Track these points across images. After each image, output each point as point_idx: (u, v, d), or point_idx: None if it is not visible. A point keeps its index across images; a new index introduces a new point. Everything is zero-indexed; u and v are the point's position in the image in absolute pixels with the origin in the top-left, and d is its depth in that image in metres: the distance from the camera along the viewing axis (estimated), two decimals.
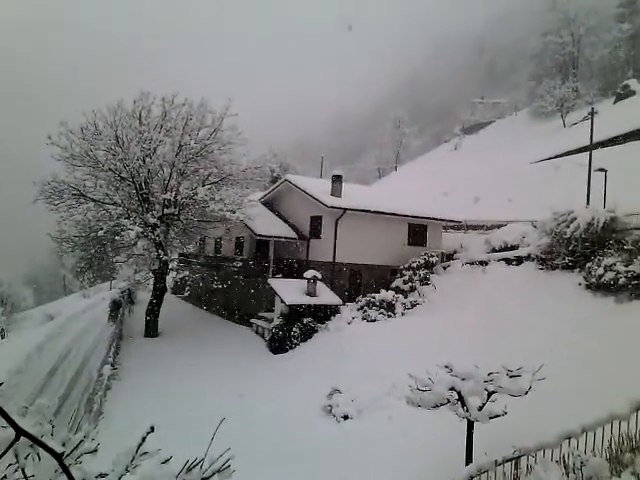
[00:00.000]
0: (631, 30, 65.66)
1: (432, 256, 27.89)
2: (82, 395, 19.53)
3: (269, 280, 26.00)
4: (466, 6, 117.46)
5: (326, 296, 24.81)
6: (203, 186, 25.45)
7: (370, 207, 27.99)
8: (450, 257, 29.50)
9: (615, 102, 57.27)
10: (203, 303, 34.06)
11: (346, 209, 26.93)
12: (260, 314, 27.14)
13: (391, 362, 16.84)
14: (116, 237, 24.60)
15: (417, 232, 30.43)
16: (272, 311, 25.40)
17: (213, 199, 25.39)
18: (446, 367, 10.80)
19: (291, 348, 22.34)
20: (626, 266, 18.68)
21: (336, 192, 28.41)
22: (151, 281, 28.05)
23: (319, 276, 24.62)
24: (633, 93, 56.03)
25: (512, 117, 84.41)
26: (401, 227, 29.81)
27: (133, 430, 2.91)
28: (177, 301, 35.83)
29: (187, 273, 29.43)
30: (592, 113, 30.86)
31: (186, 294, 30.02)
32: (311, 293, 24.21)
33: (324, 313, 24.05)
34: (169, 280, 32.49)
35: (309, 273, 24.48)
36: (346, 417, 15.05)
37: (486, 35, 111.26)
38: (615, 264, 19.17)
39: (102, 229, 24.48)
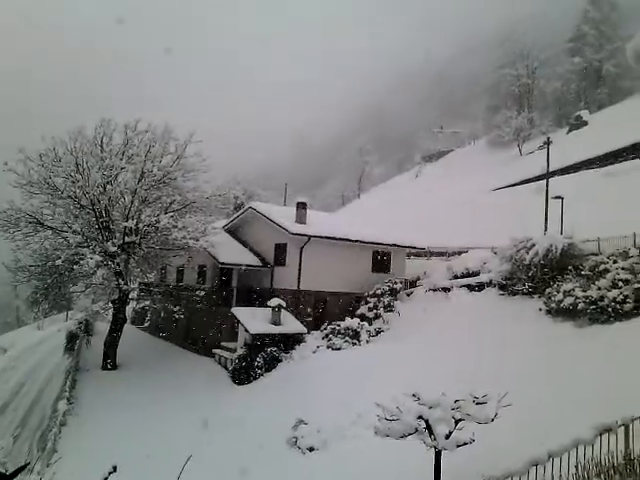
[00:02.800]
0: (582, 63, 68.70)
1: (396, 283, 28.06)
2: (34, 433, 18.65)
3: (232, 309, 25.62)
4: (427, 40, 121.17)
5: (291, 324, 24.58)
6: (166, 214, 25.10)
7: (335, 234, 28.07)
8: (413, 284, 29.72)
9: (568, 132, 59.52)
10: (164, 334, 33.24)
11: (311, 236, 26.93)
12: (223, 344, 26.63)
13: (357, 391, 16.68)
14: (74, 266, 23.90)
15: (381, 259, 30.62)
16: (235, 341, 24.96)
17: (176, 227, 25.04)
18: (413, 395, 10.75)
19: (255, 378, 21.92)
20: (584, 291, 19.16)
21: (301, 219, 28.41)
22: (110, 311, 27.28)
23: (284, 304, 24.40)
24: (585, 124, 58.39)
25: (471, 146, 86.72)
26: (365, 254, 29.95)
27: (91, 470, 2.74)
28: (137, 332, 34.86)
29: (148, 303, 28.78)
30: (548, 143, 31.95)
31: (146, 324, 29.29)
32: (276, 322, 23.94)
33: (289, 342, 23.77)
34: (129, 310, 31.66)
35: (273, 301, 24.24)
36: (312, 449, 14.77)
37: (445, 67, 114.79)
38: (574, 289, 19.65)
39: (60, 258, 23.75)
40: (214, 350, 26.58)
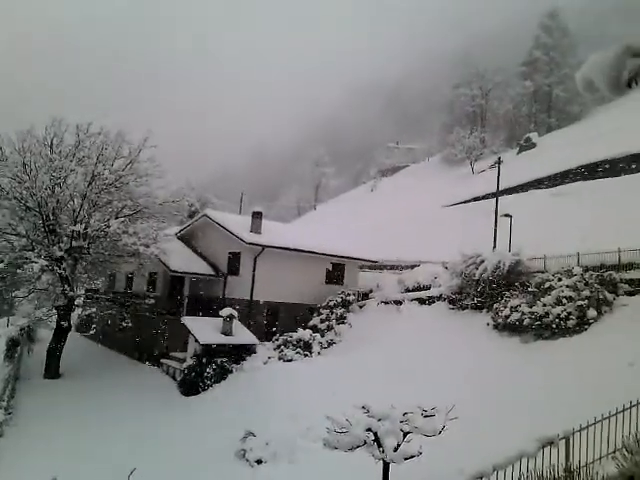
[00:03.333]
0: (532, 87, 71.40)
1: (349, 295, 28.20)
2: None
3: (183, 318, 25.11)
4: (383, 55, 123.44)
5: (242, 335, 24.28)
6: (116, 218, 24.47)
7: (289, 245, 28.03)
8: (366, 296, 29.95)
9: (518, 153, 61.56)
10: (110, 342, 32.22)
11: (265, 246, 26.80)
12: (172, 354, 26.05)
13: (307, 403, 16.61)
14: (18, 270, 22.99)
15: (335, 271, 30.74)
16: (185, 351, 24.46)
17: (126, 232, 24.42)
18: (363, 408, 10.78)
19: (204, 390, 21.48)
20: (530, 307, 19.72)
21: (256, 229, 28.25)
22: (54, 318, 26.27)
23: (236, 314, 24.10)
24: (534, 145, 60.57)
25: (425, 162, 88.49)
26: (319, 265, 30.01)
27: None
28: (82, 340, 33.69)
29: (94, 310, 27.88)
30: (499, 162, 32.93)
31: (92, 332, 28.38)
32: (227, 332, 23.61)
33: (240, 353, 23.45)
34: (74, 317, 30.59)
35: (225, 311, 23.91)
36: (260, 461, 14.57)
37: (402, 83, 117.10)
38: (520, 305, 20.19)
39: (2, 261, 22.79)
40: (162, 360, 25.97)
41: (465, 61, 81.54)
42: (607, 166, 40.99)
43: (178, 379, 23.02)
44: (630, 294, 18.88)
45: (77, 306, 27.35)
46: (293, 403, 17.18)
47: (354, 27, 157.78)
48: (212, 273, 28.72)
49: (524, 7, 78.03)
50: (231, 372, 22.19)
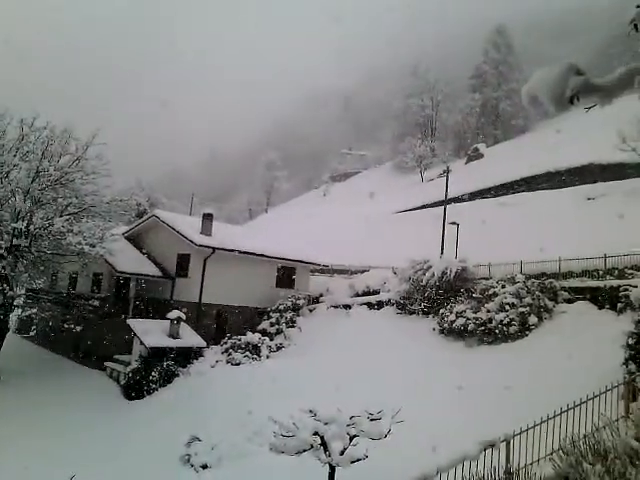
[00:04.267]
0: (480, 100, 73.64)
1: (299, 299, 28.22)
2: None
3: (128, 320, 24.51)
4: (339, 63, 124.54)
5: (190, 338, 23.89)
6: (61, 216, 23.65)
7: (240, 247, 27.79)
8: (316, 300, 30.04)
9: (466, 163, 63.31)
10: (52, 344, 31.07)
11: (216, 248, 26.49)
12: (116, 357, 25.36)
13: (254, 407, 16.47)
14: None
15: (286, 274, 30.69)
16: (130, 354, 23.86)
17: (71, 231, 23.64)
18: (310, 411, 10.81)
19: (149, 393, 21.00)
20: (475, 313, 20.30)
21: (206, 231, 27.88)
22: None
23: (183, 317, 23.70)
24: (482, 156, 62.44)
25: (377, 169, 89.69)
26: (270, 269, 29.90)
27: None
28: (21, 341, 32.34)
29: (35, 311, 26.83)
30: (447, 171, 33.75)
31: (32, 334, 27.29)
32: (174, 335, 23.18)
33: (187, 356, 23.07)
34: (13, 318, 29.33)
35: (173, 314, 23.49)
36: (205, 466, 14.37)
37: (357, 91, 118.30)
38: (465, 311, 20.76)
39: None
40: (106, 363, 25.25)
41: (417, 72, 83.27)
42: (547, 178, 42.74)
43: (122, 383, 22.45)
44: (569, 302, 19.69)
45: (17, 306, 26.23)
46: (240, 407, 17.02)
47: (310, 33, 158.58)
48: (160, 275, 28.15)
49: (476, 22, 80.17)
50: (177, 376, 21.80)
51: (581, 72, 1.84)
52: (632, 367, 11.38)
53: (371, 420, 10.54)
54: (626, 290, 13.66)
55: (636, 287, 12.56)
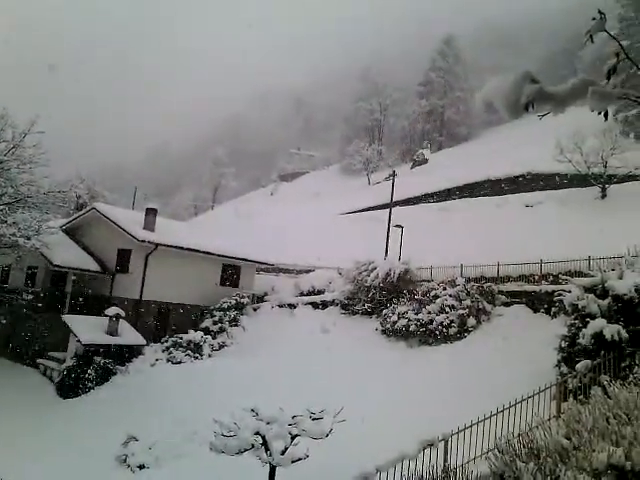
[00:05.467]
0: (427, 107, 75.27)
1: (243, 297, 27.94)
2: None
3: (64, 316, 23.59)
4: (290, 62, 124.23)
5: (129, 335, 23.24)
6: None
7: (183, 244, 27.27)
8: (261, 299, 29.87)
9: (412, 167, 64.50)
10: None
11: (158, 244, 25.88)
12: (50, 354, 24.35)
13: (194, 406, 16.23)
14: None
15: (230, 272, 30.34)
16: (66, 351, 22.97)
17: (5, 222, 22.53)
18: (252, 411, 10.71)
19: (84, 392, 20.28)
20: (416, 314, 20.68)
21: (149, 226, 27.20)
22: None
23: (122, 314, 23.02)
24: (426, 161, 63.79)
25: (324, 170, 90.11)
26: (214, 266, 29.48)
27: None
28: None
29: None
30: (393, 175, 34.28)
31: None
32: (112, 332, 22.49)
33: (125, 354, 22.43)
34: None
35: (111, 310, 22.78)
36: (142, 467, 14.01)
37: (307, 92, 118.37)
38: (407, 312, 21.13)
39: None
40: (39, 360, 24.19)
41: (367, 77, 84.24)
42: (488, 185, 44.13)
43: (56, 380, 21.58)
44: (506, 305, 20.39)
45: None
46: (179, 406, 16.71)
47: (261, 29, 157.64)
48: (99, 270, 27.24)
49: (427, 31, 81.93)
50: (115, 374, 21.16)
51: (536, 80, 1.89)
52: (564, 369, 11.89)
53: (313, 419, 10.55)
54: (560, 295, 14.24)
55: (569, 292, 13.12)
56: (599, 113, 2.03)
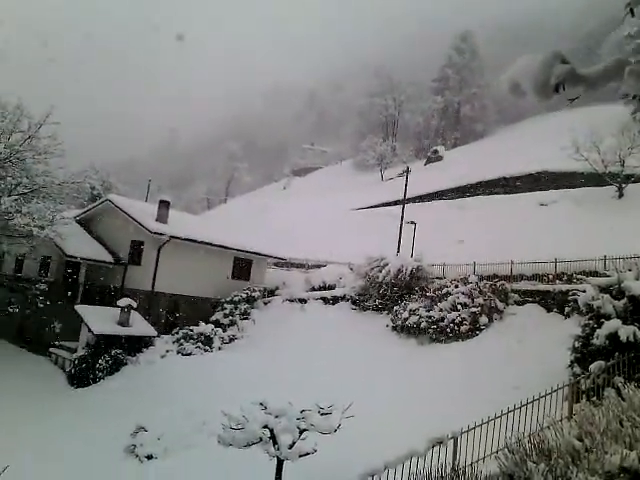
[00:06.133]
0: (442, 103, 74.70)
1: (255, 291, 27.98)
2: None
3: (76, 306, 23.77)
4: (304, 58, 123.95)
5: (140, 326, 23.36)
6: (9, 196, 22.68)
7: (196, 237, 27.34)
8: (272, 293, 29.87)
9: (425, 164, 64.04)
10: None
11: (171, 237, 25.96)
12: (63, 343, 24.54)
13: (204, 398, 16.25)
14: None
15: (242, 266, 30.38)
16: (77, 340, 23.13)
17: (19, 212, 22.70)
18: (260, 404, 10.68)
19: (95, 382, 20.41)
20: (427, 311, 20.56)
21: (162, 218, 27.31)
22: None
23: (134, 305, 23.13)
24: (441, 158, 63.27)
25: (337, 166, 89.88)
26: (226, 260, 29.53)
27: None
28: None
29: None
30: (407, 171, 34.05)
31: None
32: (123, 323, 22.61)
33: (136, 345, 22.54)
34: None
35: (123, 301, 22.90)
36: (150, 457, 14.07)
37: (321, 88, 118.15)
38: (418, 309, 21.01)
39: None
40: (51, 349, 24.40)
41: (381, 73, 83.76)
42: (502, 183, 43.71)
43: (67, 370, 21.74)
44: (519, 304, 20.18)
45: None
46: (189, 398, 16.75)
47: (274, 27, 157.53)
48: (112, 261, 27.40)
49: (443, 26, 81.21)
50: (126, 364, 21.28)
51: (566, 61, 1.78)
52: (577, 369, 11.73)
53: (321, 414, 10.50)
54: (574, 295, 14.04)
55: (584, 292, 12.91)
56: (633, 97, 1.93)
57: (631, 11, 2.05)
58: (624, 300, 11.49)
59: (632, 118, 39.27)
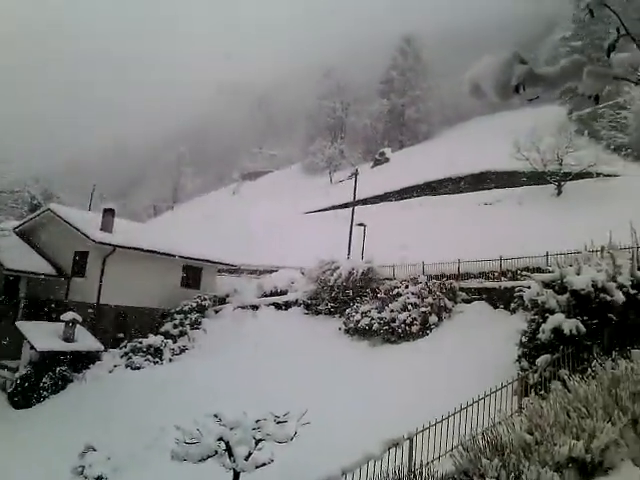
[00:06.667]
0: (389, 106, 75.73)
1: (205, 299, 27.54)
2: None
3: (17, 323, 22.73)
4: (254, 60, 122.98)
5: (86, 341, 22.56)
6: None
7: (142, 245, 26.67)
8: (223, 301, 29.46)
9: (373, 166, 64.76)
10: None
11: (116, 246, 25.22)
12: (3, 362, 23.40)
13: (155, 413, 15.84)
14: None
15: (192, 274, 29.82)
16: (19, 359, 22.11)
17: None
18: (215, 416, 10.45)
19: (39, 401, 19.58)
20: (379, 313, 20.73)
21: (107, 227, 26.50)
22: None
23: (79, 319, 22.33)
24: (388, 160, 64.12)
25: (287, 169, 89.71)
26: (175, 268, 28.92)
27: None
28: None
29: None
30: (356, 174, 34.33)
31: None
32: (68, 338, 21.78)
33: (82, 360, 21.77)
34: None
35: (67, 315, 22.06)
36: (100, 478, 13.52)
37: (268, 90, 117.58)
38: (370, 311, 21.15)
39: None
40: None
41: (329, 74, 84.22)
42: (448, 183, 44.72)
43: (9, 390, 20.73)
44: (467, 302, 20.64)
45: None
46: (139, 413, 16.29)
47: (224, 28, 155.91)
48: (54, 273, 26.36)
49: (390, 29, 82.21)
50: (72, 382, 20.55)
51: (525, 61, 1.80)
52: (524, 364, 12.06)
53: (277, 423, 10.36)
54: (519, 291, 14.48)
55: (529, 288, 13.32)
56: (589, 97, 1.95)
57: (590, 12, 2.09)
58: (567, 295, 11.89)
59: (568, 118, 41.07)
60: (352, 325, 21.33)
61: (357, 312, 21.57)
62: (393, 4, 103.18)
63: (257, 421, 10.20)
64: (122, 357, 22.60)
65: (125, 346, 23.29)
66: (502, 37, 75.43)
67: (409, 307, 20.13)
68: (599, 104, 33.12)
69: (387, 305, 20.86)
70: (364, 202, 44.20)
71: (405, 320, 19.69)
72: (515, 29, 76.77)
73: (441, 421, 9.64)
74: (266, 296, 28.06)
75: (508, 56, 1.75)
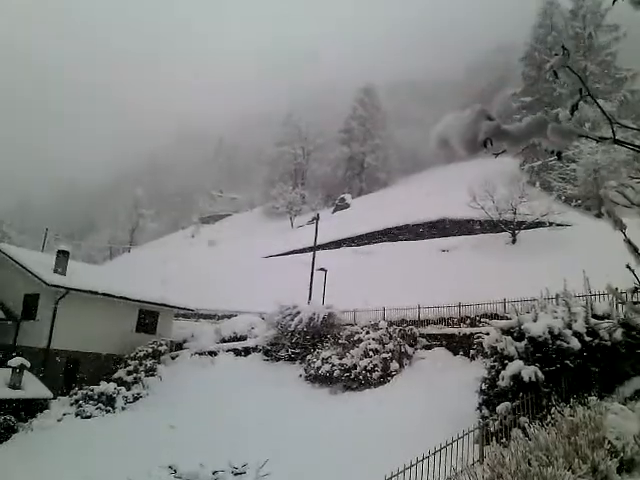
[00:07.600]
0: (349, 153, 77.46)
1: (161, 345, 26.76)
2: None
3: None
4: (213, 104, 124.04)
5: (33, 388, 21.47)
6: None
7: (97, 288, 25.92)
8: (180, 346, 28.69)
9: (334, 212, 65.58)
10: None
11: (70, 289, 24.44)
12: None
13: (106, 465, 15.03)
14: None
15: (148, 319, 29.04)
16: None
17: None
18: (170, 467, 10.05)
19: None
20: (340, 359, 20.54)
21: (60, 269, 25.71)
22: None
23: (27, 364, 21.31)
24: (348, 206, 65.13)
25: (248, 213, 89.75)
26: (130, 312, 28.12)
27: None
28: None
29: None
30: (317, 219, 34.64)
31: None
32: (15, 385, 20.70)
33: (30, 409, 20.65)
34: None
35: (15, 361, 21.03)
36: None
37: (228, 134, 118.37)
38: (331, 357, 20.95)
39: None
40: None
41: (289, 122, 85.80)
42: (406, 230, 45.57)
43: None
44: (427, 348, 20.71)
45: None
46: (89, 465, 15.42)
47: (185, 69, 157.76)
48: (2, 317, 25.22)
49: (349, 79, 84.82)
50: (17, 431, 19.43)
51: (491, 117, 1.89)
52: (485, 412, 12.10)
53: (235, 474, 10.04)
54: (479, 337, 14.66)
55: (487, 335, 13.51)
56: (552, 153, 2.06)
57: (554, 73, 2.22)
58: (524, 341, 12.11)
59: (520, 169, 42.83)
60: (313, 372, 21.03)
61: (318, 358, 21.31)
62: (354, 52, 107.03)
63: (214, 472, 9.87)
64: (72, 405, 21.58)
65: (76, 394, 22.27)
66: (458, 89, 79.13)
67: (370, 353, 20.04)
68: (551, 157, 34.77)
69: (348, 351, 20.71)
70: (325, 247, 44.46)
71: (366, 367, 19.56)
72: (467, 83, 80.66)
73: (403, 471, 9.51)
74: (225, 341, 27.50)
75: (473, 113, 1.87)
